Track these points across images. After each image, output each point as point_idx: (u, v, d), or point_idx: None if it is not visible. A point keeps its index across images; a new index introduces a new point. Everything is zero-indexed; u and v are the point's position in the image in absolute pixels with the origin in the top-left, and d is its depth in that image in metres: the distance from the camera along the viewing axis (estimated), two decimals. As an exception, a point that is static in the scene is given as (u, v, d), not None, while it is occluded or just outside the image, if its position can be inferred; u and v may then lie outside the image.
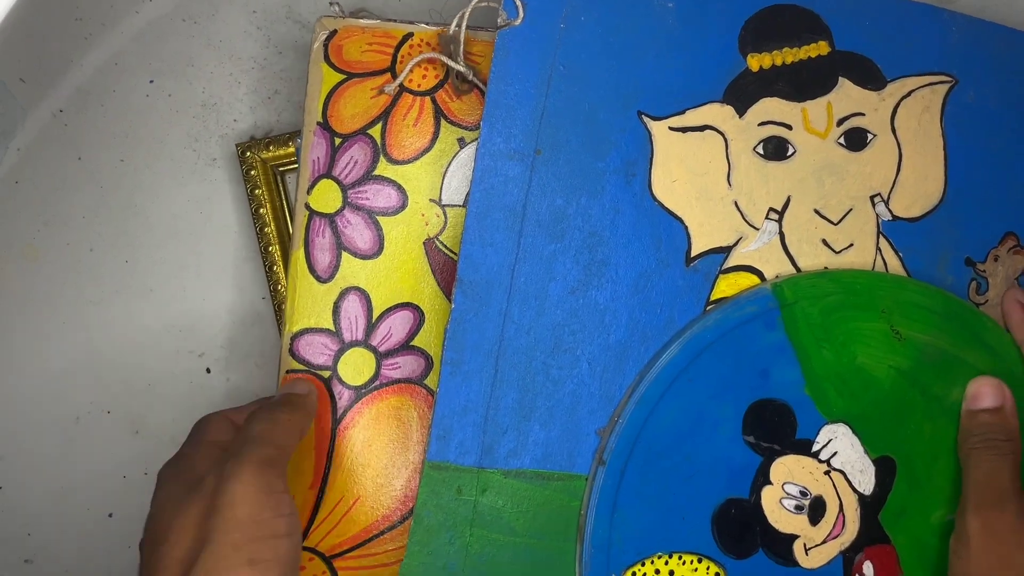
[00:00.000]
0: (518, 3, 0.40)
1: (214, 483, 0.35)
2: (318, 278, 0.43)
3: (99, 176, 0.51)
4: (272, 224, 0.49)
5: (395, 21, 0.44)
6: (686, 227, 0.42)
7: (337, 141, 0.43)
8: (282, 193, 0.50)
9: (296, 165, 0.48)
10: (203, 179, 0.51)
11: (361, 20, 0.43)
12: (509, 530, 0.40)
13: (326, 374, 0.43)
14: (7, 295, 0.50)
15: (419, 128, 0.43)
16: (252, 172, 0.49)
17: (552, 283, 0.41)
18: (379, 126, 0.43)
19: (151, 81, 0.51)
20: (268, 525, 0.35)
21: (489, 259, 0.40)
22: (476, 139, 0.41)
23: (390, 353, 0.43)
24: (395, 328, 0.43)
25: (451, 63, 0.42)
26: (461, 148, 0.43)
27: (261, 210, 0.49)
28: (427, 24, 0.43)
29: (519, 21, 0.40)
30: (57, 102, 0.51)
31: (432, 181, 0.43)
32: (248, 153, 0.49)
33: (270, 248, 0.49)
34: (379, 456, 0.43)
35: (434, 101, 0.43)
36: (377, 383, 0.43)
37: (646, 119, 0.42)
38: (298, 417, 0.39)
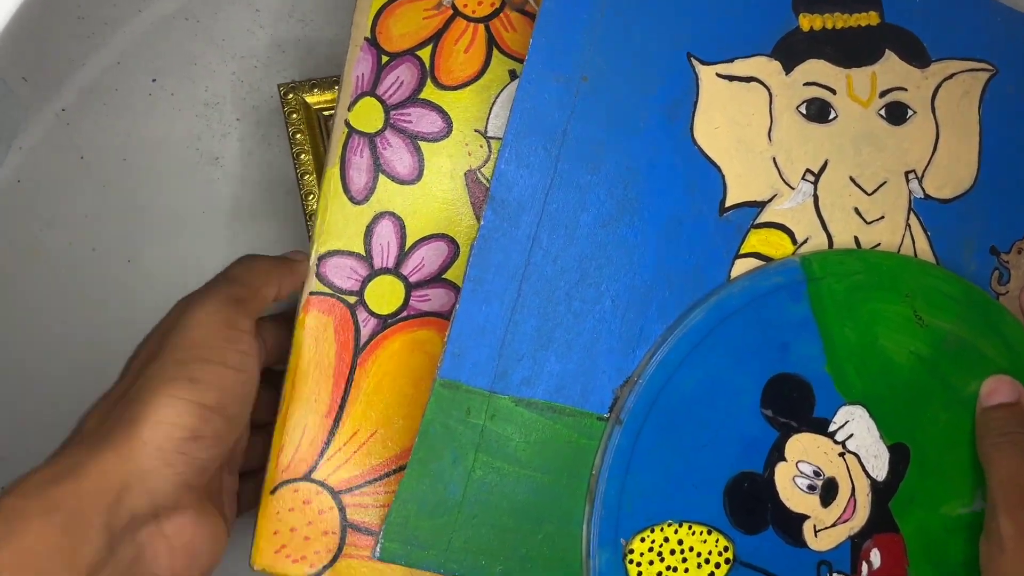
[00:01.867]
0: (580, -72, 0.40)
1: (180, 308, 0.36)
2: (352, 199, 0.41)
3: (102, 175, 0.50)
4: (312, 170, 0.47)
5: None
6: (723, 176, 0.41)
7: (384, 59, 0.41)
8: (322, 142, 0.48)
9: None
10: (206, 178, 0.50)
11: None
12: (514, 460, 0.38)
13: (352, 300, 0.41)
14: (9, 295, 0.49)
15: (470, 55, 0.42)
16: (294, 115, 0.48)
17: (584, 213, 0.40)
18: (429, 48, 0.42)
19: (153, 80, 0.51)
20: (217, 351, 0.34)
21: (523, 180, 0.39)
22: None
23: (421, 284, 0.41)
24: (428, 259, 0.41)
25: None
26: (512, 80, 0.42)
27: (302, 155, 0.47)
28: None
29: (579, -54, 0.40)
30: (60, 101, 0.50)
31: (479, 111, 0.42)
32: (291, 95, 0.48)
33: (308, 203, 0.46)
34: (401, 389, 0.41)
35: (488, 29, 0.42)
36: (405, 314, 0.41)
37: (695, 62, 0.41)
38: (280, 270, 0.38)
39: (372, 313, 0.41)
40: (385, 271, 0.41)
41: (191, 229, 0.50)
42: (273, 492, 0.40)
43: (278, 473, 0.40)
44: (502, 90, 0.42)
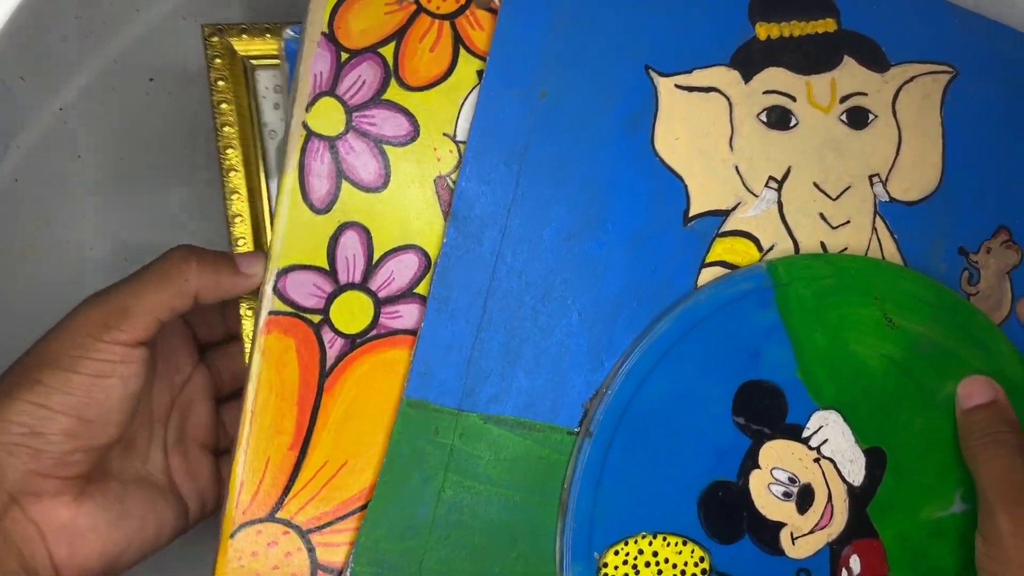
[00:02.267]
0: (534, -55, 0.40)
1: (70, 312, 0.37)
2: (313, 208, 0.38)
3: (99, 175, 0.50)
4: (234, 123, 0.43)
5: None
6: (686, 186, 0.41)
7: (343, 56, 0.39)
8: (252, 102, 0.44)
9: (275, 62, 0.44)
10: (203, 178, 0.50)
11: None
12: (485, 478, 0.38)
13: (316, 318, 0.39)
14: (7, 294, 0.50)
15: (436, 54, 0.39)
16: (218, 61, 0.43)
17: (547, 228, 0.40)
18: (392, 46, 0.39)
19: (151, 79, 0.51)
20: (67, 360, 0.35)
21: (485, 197, 0.39)
22: None
23: (391, 300, 0.39)
24: (398, 272, 0.39)
25: None
26: (480, 81, 0.40)
27: (223, 104, 0.43)
28: None
29: (533, -37, 0.40)
30: (57, 100, 0.50)
31: (447, 113, 0.39)
32: (215, 38, 0.43)
33: (227, 157, 0.43)
34: (372, 416, 0.38)
35: (454, 27, 0.39)
36: (374, 333, 0.39)
37: (653, 74, 0.41)
38: (204, 274, 0.37)
39: (339, 333, 0.39)
40: (352, 286, 0.39)
41: (189, 228, 0.50)
42: (233, 536, 0.38)
43: (238, 514, 0.38)
44: (471, 91, 0.40)
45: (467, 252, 0.39)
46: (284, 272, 0.38)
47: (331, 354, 0.38)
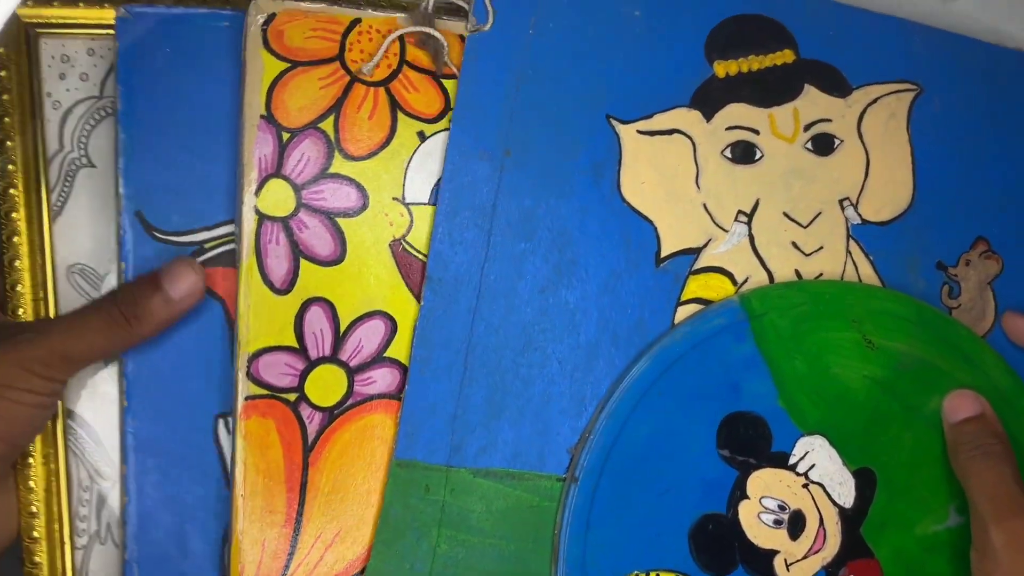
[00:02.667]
0: (488, 8, 0.41)
1: None
2: (275, 290, 0.39)
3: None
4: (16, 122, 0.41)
5: (341, 5, 0.41)
6: (655, 228, 0.42)
7: (285, 136, 0.39)
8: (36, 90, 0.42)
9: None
10: None
11: (303, 3, 0.40)
12: (478, 531, 0.39)
13: (292, 397, 0.39)
14: None
15: (375, 121, 0.40)
16: None
17: (521, 282, 0.41)
18: (331, 119, 0.40)
19: None
20: None
21: (459, 257, 0.40)
22: (437, 132, 0.41)
23: (363, 367, 0.40)
24: (366, 339, 0.40)
25: (437, 34, 0.41)
26: (422, 142, 0.41)
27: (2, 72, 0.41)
28: (375, 10, 0.41)
29: (488, 26, 0.41)
30: None
31: (393, 178, 0.40)
32: None
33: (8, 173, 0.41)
34: (359, 482, 0.39)
35: (389, 92, 0.40)
36: (351, 402, 0.40)
37: (614, 122, 0.42)
38: (122, 332, 0.38)
39: (316, 407, 0.39)
40: (323, 360, 0.40)
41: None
42: None
43: None
44: (414, 153, 0.41)
45: (444, 312, 0.40)
46: (255, 356, 0.39)
47: (311, 429, 0.39)
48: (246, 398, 0.39)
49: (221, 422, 0.41)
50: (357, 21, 0.40)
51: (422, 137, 0.41)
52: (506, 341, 0.41)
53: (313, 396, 0.39)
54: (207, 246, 0.41)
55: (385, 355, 0.40)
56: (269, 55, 0.40)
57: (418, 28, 0.40)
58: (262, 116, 0.39)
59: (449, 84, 0.41)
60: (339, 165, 0.40)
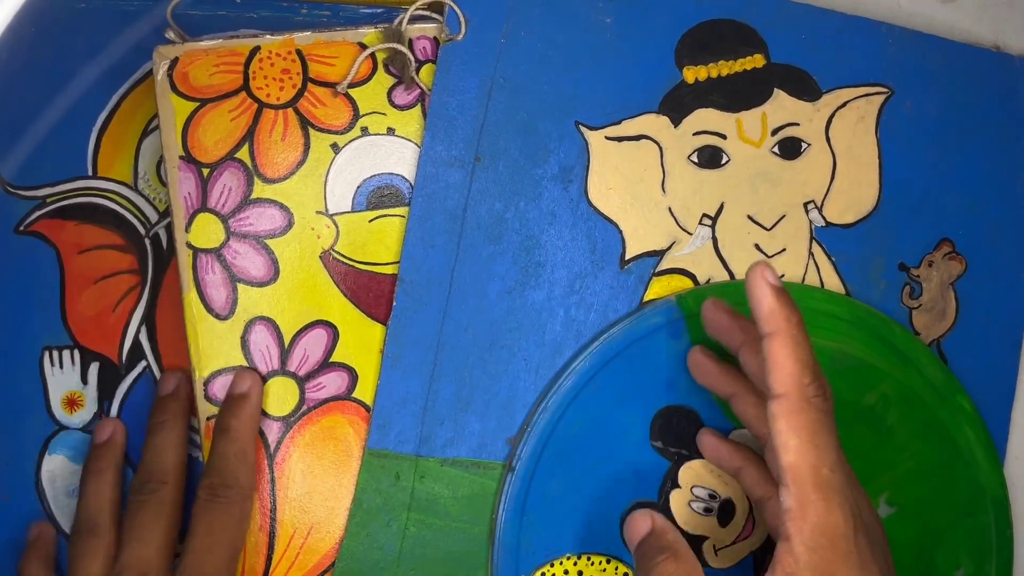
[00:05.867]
0: (460, 19, 0.43)
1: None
2: (217, 316, 0.42)
3: None
4: None
5: (237, 36, 0.43)
6: (621, 232, 0.44)
7: (205, 172, 0.42)
8: None
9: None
10: None
11: (201, 43, 0.42)
12: (444, 514, 0.43)
13: None
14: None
15: (288, 142, 0.42)
16: None
17: (490, 283, 0.43)
18: (246, 147, 0.42)
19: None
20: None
21: (430, 260, 0.43)
22: (350, 141, 0.42)
23: (311, 375, 0.42)
24: (311, 349, 0.42)
25: (404, 50, 0.42)
26: (336, 154, 0.43)
27: None
28: (272, 34, 0.42)
29: (461, 36, 0.43)
30: None
31: (314, 193, 0.42)
32: None
33: None
34: (323, 480, 0.42)
35: (297, 111, 0.42)
36: (304, 408, 0.42)
37: (583, 129, 0.44)
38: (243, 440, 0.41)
39: (273, 418, 0.42)
40: (273, 374, 0.42)
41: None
42: None
43: None
44: (330, 166, 0.43)
45: (415, 312, 0.43)
46: (209, 379, 0.42)
47: (272, 439, 0.42)
48: (208, 419, 0.42)
49: (47, 354, 0.44)
50: (257, 49, 0.42)
51: (336, 149, 0.43)
52: (474, 340, 0.43)
53: (269, 408, 0.42)
54: (48, 200, 0.44)
55: (331, 360, 0.43)
56: (178, 98, 0.42)
57: (387, 45, 0.42)
58: (181, 157, 0.42)
59: (355, 92, 0.43)
60: (260, 190, 0.42)
